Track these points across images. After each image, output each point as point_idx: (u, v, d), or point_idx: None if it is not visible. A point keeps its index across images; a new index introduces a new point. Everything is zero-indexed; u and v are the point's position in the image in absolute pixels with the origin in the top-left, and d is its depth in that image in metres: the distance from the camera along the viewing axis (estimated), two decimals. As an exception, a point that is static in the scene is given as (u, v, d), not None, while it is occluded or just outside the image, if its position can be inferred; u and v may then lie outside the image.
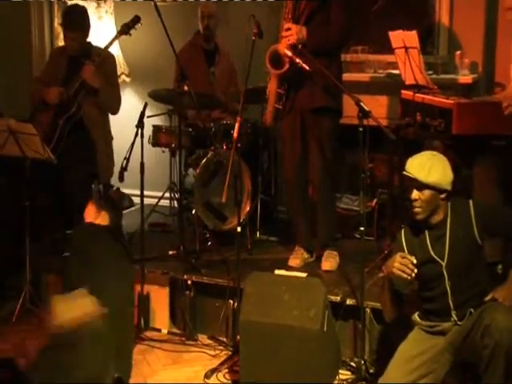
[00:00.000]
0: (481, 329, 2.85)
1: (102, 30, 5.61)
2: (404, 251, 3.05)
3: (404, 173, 3.01)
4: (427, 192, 2.96)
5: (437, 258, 3.02)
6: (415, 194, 2.97)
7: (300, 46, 3.81)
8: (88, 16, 4.68)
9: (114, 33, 5.01)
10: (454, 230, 3.03)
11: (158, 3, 3.97)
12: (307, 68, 3.67)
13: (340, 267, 4.07)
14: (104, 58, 4.55)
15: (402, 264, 2.88)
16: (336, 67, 4.02)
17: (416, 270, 2.86)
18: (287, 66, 3.82)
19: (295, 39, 3.79)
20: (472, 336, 2.91)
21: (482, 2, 4.64)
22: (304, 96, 3.96)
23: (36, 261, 4.25)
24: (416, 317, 3.16)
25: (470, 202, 3.05)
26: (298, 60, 3.70)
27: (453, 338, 3.03)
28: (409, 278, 2.87)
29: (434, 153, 3.09)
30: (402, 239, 3.13)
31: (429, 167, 2.95)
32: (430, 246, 3.05)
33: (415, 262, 2.87)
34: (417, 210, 2.99)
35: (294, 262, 4.15)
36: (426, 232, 3.07)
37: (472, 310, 2.99)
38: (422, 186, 2.95)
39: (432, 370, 3.05)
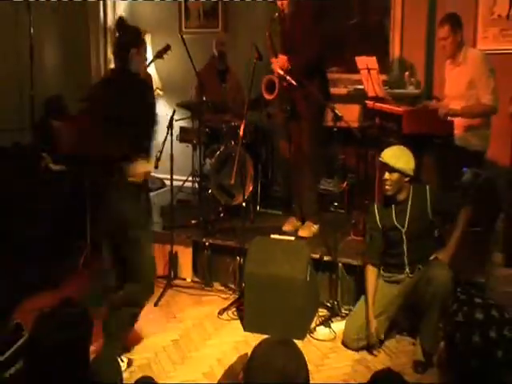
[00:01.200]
0: (425, 280, 2.88)
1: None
2: (376, 219, 3.07)
3: (379, 159, 3.02)
4: (395, 175, 2.96)
5: (399, 226, 3.03)
6: (387, 175, 2.98)
7: (288, 67, 3.71)
8: None
9: (150, 58, 4.88)
10: (413, 206, 3.03)
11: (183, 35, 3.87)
12: (294, 83, 3.61)
13: (319, 233, 4.01)
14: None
15: None
16: (318, 81, 3.84)
17: None
18: (276, 92, 3.77)
19: (284, 64, 3.70)
20: (419, 285, 2.94)
21: (423, 34, 4.56)
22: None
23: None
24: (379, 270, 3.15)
25: (427, 187, 3.05)
26: (288, 77, 3.64)
27: (405, 286, 3.03)
28: None
29: (402, 147, 3.09)
30: (375, 211, 3.12)
31: (398, 156, 2.97)
32: (394, 217, 3.05)
33: None
34: (387, 187, 3.00)
35: (287, 227, 4.06)
36: (393, 206, 3.07)
37: (420, 266, 3.00)
38: (392, 170, 2.94)
39: (389, 311, 3.06)
